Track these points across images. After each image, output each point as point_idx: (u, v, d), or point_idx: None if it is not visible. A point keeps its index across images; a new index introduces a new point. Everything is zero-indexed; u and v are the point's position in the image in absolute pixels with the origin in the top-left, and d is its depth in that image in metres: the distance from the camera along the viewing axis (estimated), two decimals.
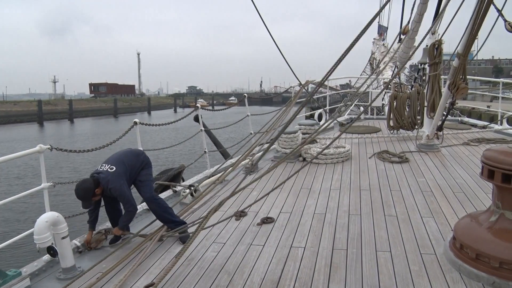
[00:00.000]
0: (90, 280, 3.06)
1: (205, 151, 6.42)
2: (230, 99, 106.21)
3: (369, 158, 6.87)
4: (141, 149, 4.40)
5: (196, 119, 6.74)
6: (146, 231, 4.00)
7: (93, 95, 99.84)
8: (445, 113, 7.40)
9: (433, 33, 7.38)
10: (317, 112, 11.19)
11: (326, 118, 10.92)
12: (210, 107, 57.07)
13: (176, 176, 6.66)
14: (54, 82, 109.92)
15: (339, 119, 11.10)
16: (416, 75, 10.73)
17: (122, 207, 3.76)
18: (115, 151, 4.02)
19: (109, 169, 3.59)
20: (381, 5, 18.04)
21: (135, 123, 4.89)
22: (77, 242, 3.69)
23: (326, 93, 12.30)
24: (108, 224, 4.02)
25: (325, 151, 6.67)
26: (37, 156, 3.55)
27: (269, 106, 46.32)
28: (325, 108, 11.22)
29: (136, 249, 3.58)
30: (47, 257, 3.36)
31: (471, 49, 5.69)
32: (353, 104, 13.10)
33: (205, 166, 6.41)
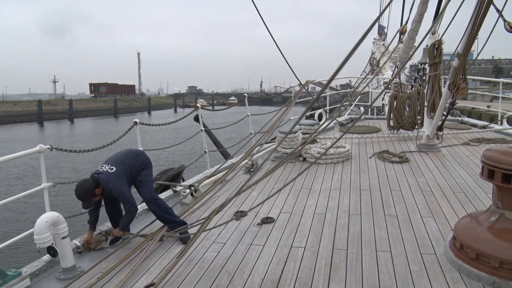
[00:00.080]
0: (90, 280, 3.06)
1: (205, 151, 6.42)
2: (230, 99, 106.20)
3: (369, 158, 6.87)
4: (141, 149, 4.40)
5: (196, 119, 6.74)
6: (146, 231, 4.00)
7: (93, 95, 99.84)
8: (445, 113, 7.41)
9: (433, 33, 7.38)
10: (317, 112, 11.19)
11: (326, 118, 10.92)
12: (210, 107, 57.07)
13: (176, 176, 6.66)
14: (54, 82, 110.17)
15: (339, 119, 11.11)
16: (416, 75, 10.74)
17: (122, 207, 3.76)
18: (115, 151, 4.02)
19: (109, 170, 3.59)
20: (381, 4, 18.04)
21: (135, 123, 4.89)
22: (77, 242, 3.69)
23: (326, 93, 12.30)
24: (108, 224, 4.02)
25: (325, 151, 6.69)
26: (37, 156, 3.55)
27: (269, 106, 46.31)
28: (325, 108, 11.22)
29: (137, 249, 3.58)
30: (47, 257, 3.36)
31: (472, 49, 5.69)
32: (353, 104, 13.10)
33: (205, 166, 6.41)
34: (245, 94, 8.48)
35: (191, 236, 3.66)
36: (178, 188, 5.41)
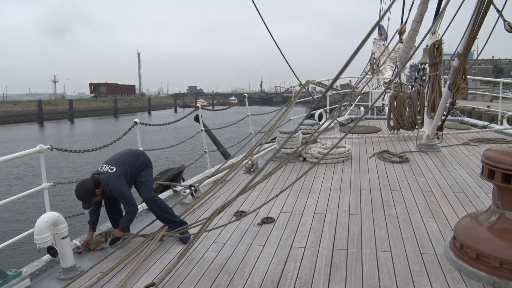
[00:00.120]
0: (90, 280, 3.06)
1: (205, 151, 6.43)
2: (230, 99, 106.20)
3: (369, 158, 6.87)
4: (142, 149, 4.40)
5: (197, 119, 6.74)
6: (146, 231, 4.00)
7: (93, 95, 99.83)
8: (445, 113, 7.41)
9: (433, 33, 7.38)
10: (317, 112, 11.19)
11: (326, 118, 10.93)
12: (211, 107, 57.08)
13: (176, 176, 6.66)
14: (54, 82, 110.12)
15: (339, 119, 11.11)
16: (416, 75, 10.74)
17: (122, 207, 3.77)
18: (115, 151, 4.02)
19: (109, 170, 3.59)
20: (381, 4, 18.04)
21: (135, 123, 4.89)
22: (77, 242, 3.69)
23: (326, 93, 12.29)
24: (108, 224, 4.03)
25: (325, 151, 6.69)
26: (37, 156, 3.55)
27: (269, 106, 46.33)
28: (325, 108, 11.22)
29: (137, 249, 3.58)
30: (47, 257, 3.36)
31: (472, 49, 5.69)
32: (354, 104, 13.10)
33: (205, 166, 6.41)
34: (245, 94, 8.48)
35: (191, 236, 3.67)
36: (178, 188, 5.41)
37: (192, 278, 3.05)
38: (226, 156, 8.81)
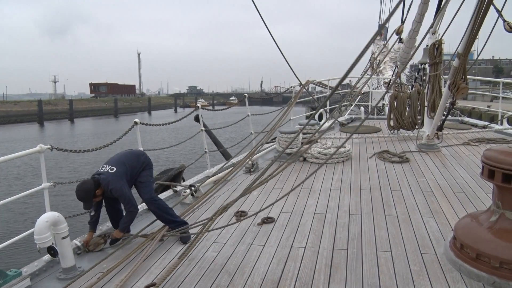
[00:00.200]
0: (90, 280, 3.06)
1: (205, 151, 6.43)
2: (230, 99, 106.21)
3: (370, 158, 6.87)
4: (142, 149, 4.40)
5: (197, 119, 6.74)
6: (146, 231, 4.00)
7: (93, 95, 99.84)
8: (445, 113, 7.41)
9: (433, 33, 7.38)
10: (317, 112, 11.17)
11: (326, 118, 10.92)
12: (211, 107, 57.06)
13: (176, 176, 6.66)
14: (55, 82, 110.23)
15: (340, 119, 11.10)
16: (416, 75, 10.74)
17: (123, 207, 3.77)
18: (116, 151, 4.02)
19: (109, 170, 3.60)
20: (381, 5, 18.00)
21: (136, 123, 4.89)
22: (77, 242, 3.69)
23: (326, 93, 12.30)
24: (108, 224, 4.03)
25: (326, 151, 6.69)
26: (37, 156, 3.55)
27: (269, 106, 46.32)
28: (325, 108, 11.22)
29: (137, 249, 3.58)
30: (47, 257, 3.36)
31: (472, 49, 5.69)
32: (354, 104, 13.10)
33: (205, 166, 6.41)
34: (246, 94, 8.48)
35: (192, 236, 3.67)
36: (179, 188, 5.42)
37: (192, 278, 3.05)
38: (226, 156, 8.81)
